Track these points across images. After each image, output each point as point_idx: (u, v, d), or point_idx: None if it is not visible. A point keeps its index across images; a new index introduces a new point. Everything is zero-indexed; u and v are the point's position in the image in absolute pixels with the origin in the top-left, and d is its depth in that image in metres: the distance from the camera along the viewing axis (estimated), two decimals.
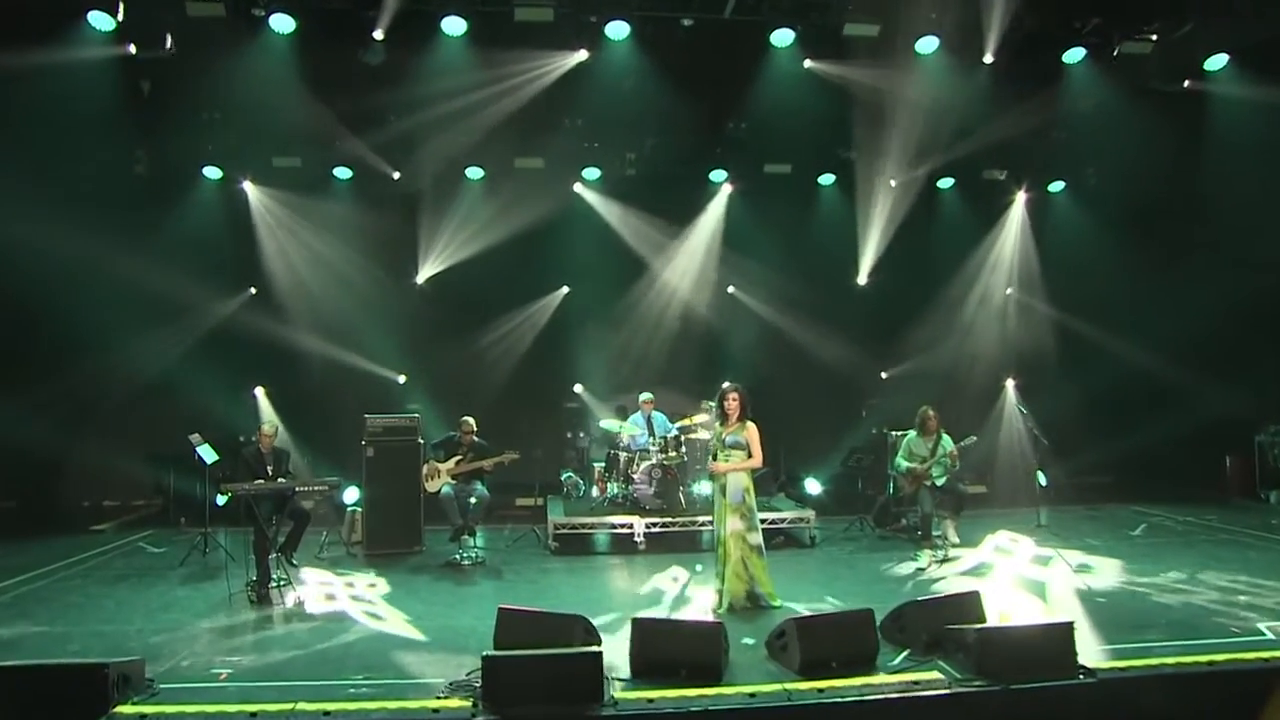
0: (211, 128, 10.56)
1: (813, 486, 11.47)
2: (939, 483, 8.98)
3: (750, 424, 6.90)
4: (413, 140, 10.49)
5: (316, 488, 7.47)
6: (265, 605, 6.99)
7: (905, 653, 5.58)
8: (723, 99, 10.42)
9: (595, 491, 10.77)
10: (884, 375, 13.00)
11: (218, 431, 9.48)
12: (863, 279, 12.65)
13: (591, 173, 11.53)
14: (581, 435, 11.95)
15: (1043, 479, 11.47)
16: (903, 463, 9.11)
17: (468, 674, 5.08)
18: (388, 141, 10.63)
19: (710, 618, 5.95)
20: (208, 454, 8.83)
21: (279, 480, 7.57)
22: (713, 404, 11.01)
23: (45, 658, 5.52)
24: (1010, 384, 12.90)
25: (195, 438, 8.84)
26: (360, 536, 9.48)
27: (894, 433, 10.35)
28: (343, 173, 11.21)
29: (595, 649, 4.79)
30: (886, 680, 5.13)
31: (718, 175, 11.81)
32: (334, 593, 7.47)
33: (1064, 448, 10.68)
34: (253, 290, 11.86)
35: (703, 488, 9.60)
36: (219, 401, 11.19)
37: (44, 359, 10.72)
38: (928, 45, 9.51)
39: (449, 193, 11.55)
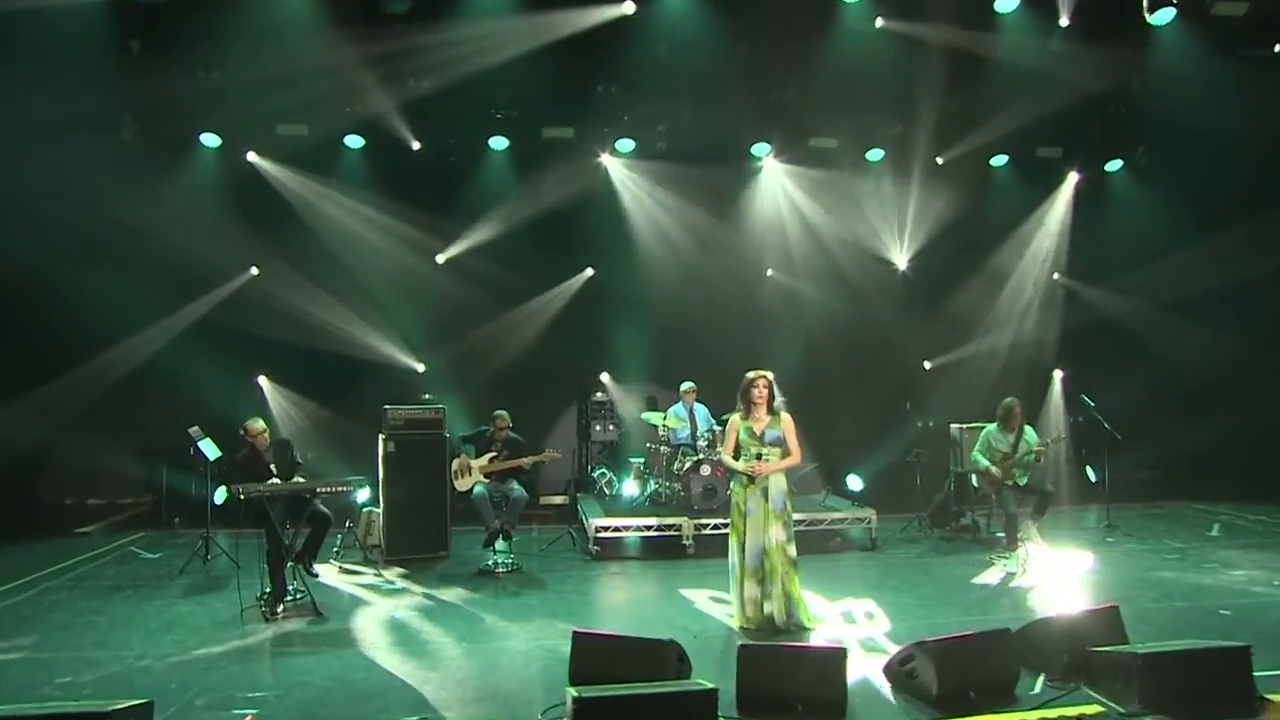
0: (210, 90, 9.54)
1: (854, 483, 10.76)
2: (1021, 482, 8.13)
3: (785, 415, 6.06)
4: (436, 103, 9.52)
5: (340, 488, 6.56)
6: (282, 623, 6.09)
7: (1041, 679, 4.82)
8: (776, 64, 9.54)
9: (626, 489, 9.94)
10: (927, 365, 12.24)
11: (216, 424, 8.59)
12: (903, 263, 11.87)
13: (625, 145, 10.62)
14: (610, 428, 11.08)
15: (1091, 474, 10.85)
16: (982, 459, 8.20)
17: (544, 714, 4.25)
18: (407, 104, 9.65)
19: (833, 643, 5.03)
20: (209, 449, 7.92)
21: (296, 478, 6.65)
22: None
23: (30, 693, 4.65)
24: (1059, 375, 12.22)
25: (195, 431, 7.94)
26: (377, 540, 8.61)
27: (957, 426, 9.61)
28: (355, 141, 10.22)
29: (709, 686, 3.96)
30: (1045, 716, 4.34)
31: (760, 149, 10.94)
32: (359, 607, 6.58)
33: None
34: (254, 270, 10.88)
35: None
36: (217, 391, 10.22)
37: (20, 343, 9.68)
38: (1008, 3, 8.71)
39: (471, 165, 10.59)
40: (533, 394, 10.85)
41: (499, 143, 10.39)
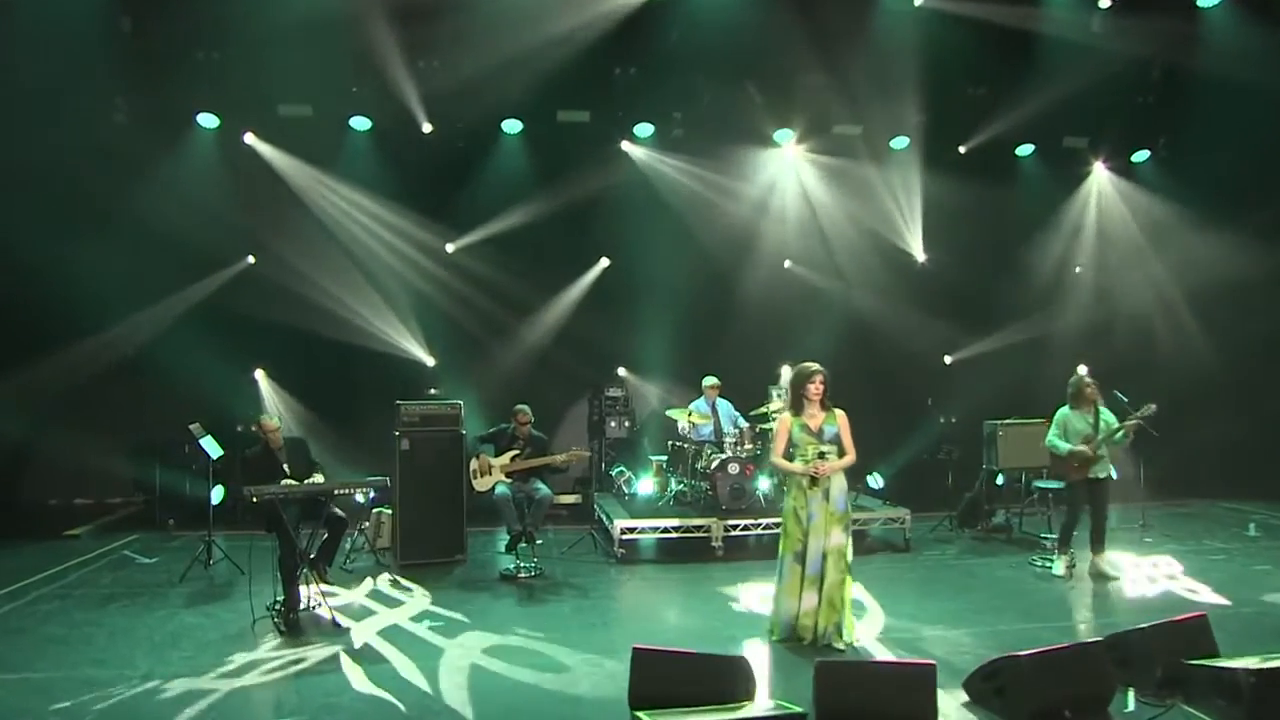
0: (208, 69, 9.02)
1: (874, 482, 10.44)
2: (1101, 475, 7.26)
3: (840, 412, 5.62)
4: (449, 83, 9.04)
5: (360, 489, 6.09)
6: (299, 635, 5.63)
7: (1131, 694, 4.48)
8: (805, 46, 9.14)
9: (642, 487, 9.53)
10: (948, 360, 11.91)
11: (210, 419, 8.11)
12: (921, 255, 11.54)
13: (644, 129, 10.18)
14: (625, 424, 10.66)
15: (1114, 472, 10.55)
16: (1060, 443, 7.25)
17: None
18: (419, 83, 9.16)
19: (919, 658, 4.57)
20: (212, 447, 7.42)
21: (314, 479, 6.18)
22: (781, 390, 9.96)
23: None
24: (1082, 370, 11.91)
25: (196, 427, 7.43)
26: (388, 542, 8.16)
27: (992, 423, 9.25)
28: (361, 123, 9.69)
29: (797, 710, 3.56)
30: None
31: (783, 135, 10.54)
32: (379, 618, 6.12)
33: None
34: (251, 259, 10.34)
35: (760, 483, 8.43)
36: (211, 384, 9.72)
37: (3, 334, 9.11)
38: None
39: (483, 149, 10.10)
40: (542, 388, 10.41)
41: (512, 126, 9.91)
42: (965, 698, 4.48)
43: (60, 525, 9.42)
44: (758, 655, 5.21)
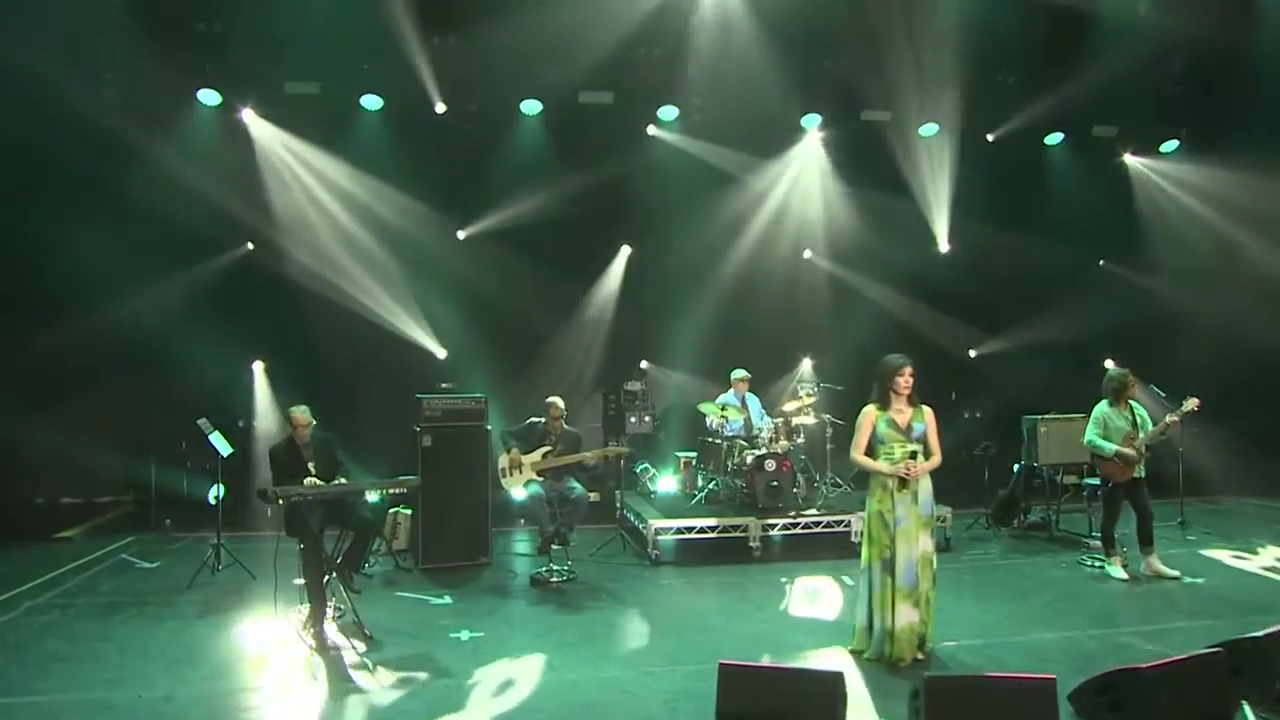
0: (210, 42, 8.47)
1: None
2: (1140, 473, 6.94)
3: (927, 409, 5.23)
4: (465, 62, 8.57)
5: (393, 489, 5.62)
6: (329, 650, 5.16)
7: (1246, 708, 4.16)
8: (838, 27, 8.77)
9: (662, 485, 9.15)
10: (972, 353, 11.64)
11: (203, 413, 7.61)
12: (944, 246, 11.24)
13: (668, 112, 9.75)
14: (645, 419, 10.25)
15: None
16: (1105, 443, 6.86)
17: None
18: (433, 60, 8.68)
19: (1042, 675, 4.06)
20: (221, 445, 6.93)
21: (338, 480, 5.71)
22: (809, 385, 9.61)
23: None
24: (1110, 364, 11.70)
25: (204, 423, 6.94)
26: (404, 544, 7.70)
27: (1033, 418, 8.93)
28: (372, 101, 9.17)
29: None
30: None
31: (810, 120, 10.17)
32: (412, 629, 5.66)
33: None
34: (250, 245, 9.79)
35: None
36: (206, 376, 9.23)
37: None
38: None
39: (500, 130, 9.62)
40: (557, 382, 9.99)
41: (531, 107, 9.44)
42: (1070, 711, 4.14)
43: (49, 527, 8.86)
44: (845, 668, 4.83)
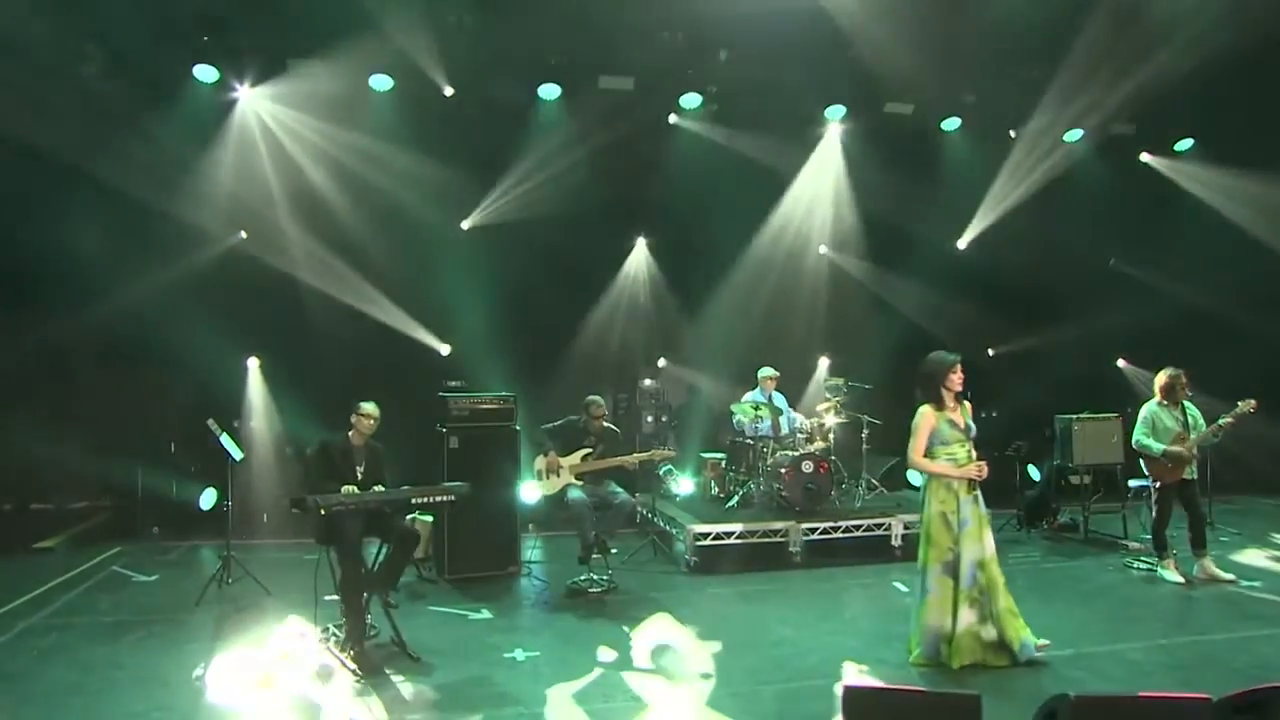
0: (207, 13, 7.84)
1: (915, 479, 9.94)
2: (1190, 475, 6.78)
3: (967, 404, 5.15)
4: (476, 42, 8.08)
5: (439, 498, 5.15)
6: (374, 674, 4.68)
7: None
8: (867, 14, 8.46)
9: (681, 487, 8.79)
10: (990, 353, 11.49)
11: (196, 410, 7.09)
12: (963, 244, 11.08)
13: (690, 100, 9.36)
14: (663, 419, 9.87)
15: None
16: (1153, 443, 6.70)
17: None
18: (442, 40, 8.16)
19: (1194, 694, 3.75)
20: (233, 448, 6.37)
21: (376, 488, 5.22)
22: (838, 383, 9.31)
23: None
24: (1122, 364, 11.69)
25: (213, 424, 6.36)
26: (422, 552, 7.21)
27: (1066, 418, 8.76)
28: (381, 82, 8.60)
29: None
30: None
31: (834, 112, 9.88)
32: (457, 648, 5.19)
33: None
34: (243, 234, 9.16)
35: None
36: (196, 374, 8.64)
37: None
38: None
39: (512, 115, 9.12)
40: (569, 379, 9.57)
41: (549, 91, 8.97)
42: None
43: (24, 536, 8.17)
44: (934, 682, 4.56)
